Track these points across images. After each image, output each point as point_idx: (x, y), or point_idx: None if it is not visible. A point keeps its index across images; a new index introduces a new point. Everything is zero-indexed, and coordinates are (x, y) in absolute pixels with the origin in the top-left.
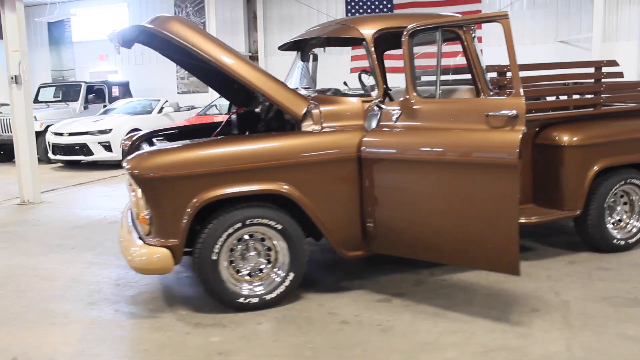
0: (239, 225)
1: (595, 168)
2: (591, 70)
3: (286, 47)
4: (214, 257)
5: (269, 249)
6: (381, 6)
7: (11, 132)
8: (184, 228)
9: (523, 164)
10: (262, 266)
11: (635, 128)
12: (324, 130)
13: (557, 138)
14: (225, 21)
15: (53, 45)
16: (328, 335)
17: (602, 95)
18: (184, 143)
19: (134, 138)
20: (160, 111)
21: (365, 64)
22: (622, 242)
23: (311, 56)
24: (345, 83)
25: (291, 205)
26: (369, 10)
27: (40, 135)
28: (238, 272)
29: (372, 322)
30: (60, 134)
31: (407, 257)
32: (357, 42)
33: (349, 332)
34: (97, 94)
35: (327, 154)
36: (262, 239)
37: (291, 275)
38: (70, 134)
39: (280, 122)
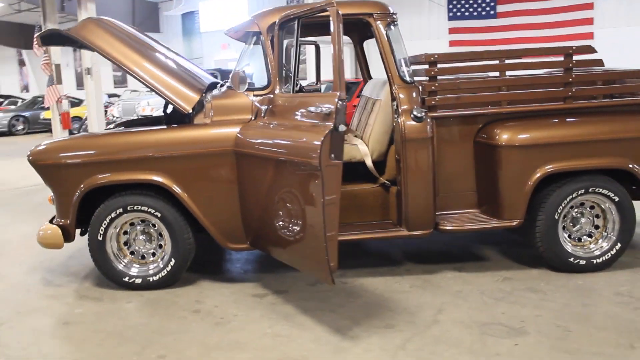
0: (121, 210)
1: (540, 173)
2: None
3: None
4: (100, 238)
5: (161, 234)
6: (484, 4)
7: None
8: (73, 210)
9: (464, 163)
10: (157, 250)
11: (604, 128)
12: (211, 123)
13: (496, 136)
14: None
15: (185, 35)
16: (166, 321)
17: (572, 88)
18: (83, 134)
19: (115, 125)
20: None
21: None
22: (583, 262)
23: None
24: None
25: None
26: (471, 10)
27: None
28: (133, 253)
29: (220, 314)
30: None
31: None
32: (256, 35)
33: (187, 320)
34: None
35: (203, 147)
36: (154, 225)
37: (173, 261)
38: None
39: None
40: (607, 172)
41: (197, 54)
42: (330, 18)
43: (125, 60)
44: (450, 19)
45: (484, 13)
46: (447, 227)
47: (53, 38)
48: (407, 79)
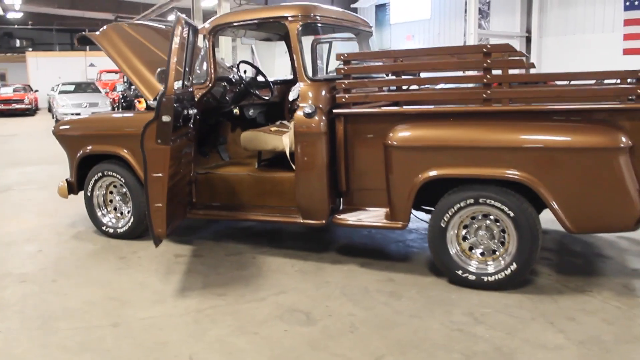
0: (100, 174)
1: (424, 176)
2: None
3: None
4: (88, 194)
5: None
6: None
7: None
8: (75, 171)
9: (376, 162)
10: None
11: (501, 135)
12: None
13: (389, 135)
14: (507, 1)
15: (378, 26)
16: (93, 261)
17: (488, 90)
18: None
19: None
20: None
21: None
22: (472, 277)
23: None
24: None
25: None
26: None
27: None
28: (115, 209)
29: (132, 263)
30: None
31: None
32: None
33: (106, 263)
34: None
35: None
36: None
37: (132, 218)
38: None
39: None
40: (512, 184)
41: (386, 45)
42: (174, 25)
43: (118, 58)
44: (626, 8)
45: None
46: (339, 221)
47: (87, 39)
48: (315, 76)
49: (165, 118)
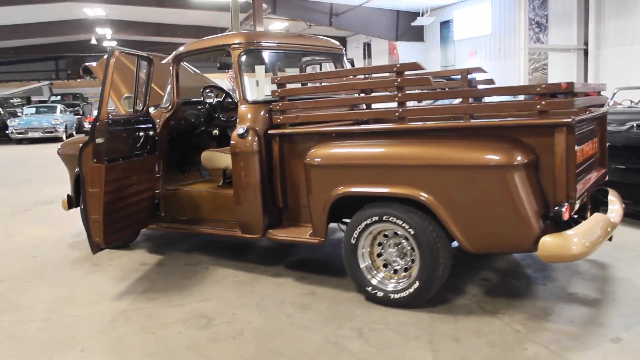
0: None
1: (334, 194)
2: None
3: None
4: (81, 207)
5: None
6: None
7: None
8: (73, 186)
9: (293, 179)
10: None
11: (396, 152)
12: None
13: (308, 154)
14: (564, 13)
15: (443, 43)
16: (70, 265)
17: (401, 109)
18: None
19: None
20: None
21: None
22: (380, 294)
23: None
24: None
25: None
26: None
27: None
28: None
29: (101, 269)
30: None
31: None
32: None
33: (81, 267)
34: None
35: None
36: None
37: None
38: None
39: None
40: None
41: (450, 62)
42: (108, 57)
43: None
44: None
45: None
46: (271, 236)
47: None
48: (254, 99)
49: (99, 140)
